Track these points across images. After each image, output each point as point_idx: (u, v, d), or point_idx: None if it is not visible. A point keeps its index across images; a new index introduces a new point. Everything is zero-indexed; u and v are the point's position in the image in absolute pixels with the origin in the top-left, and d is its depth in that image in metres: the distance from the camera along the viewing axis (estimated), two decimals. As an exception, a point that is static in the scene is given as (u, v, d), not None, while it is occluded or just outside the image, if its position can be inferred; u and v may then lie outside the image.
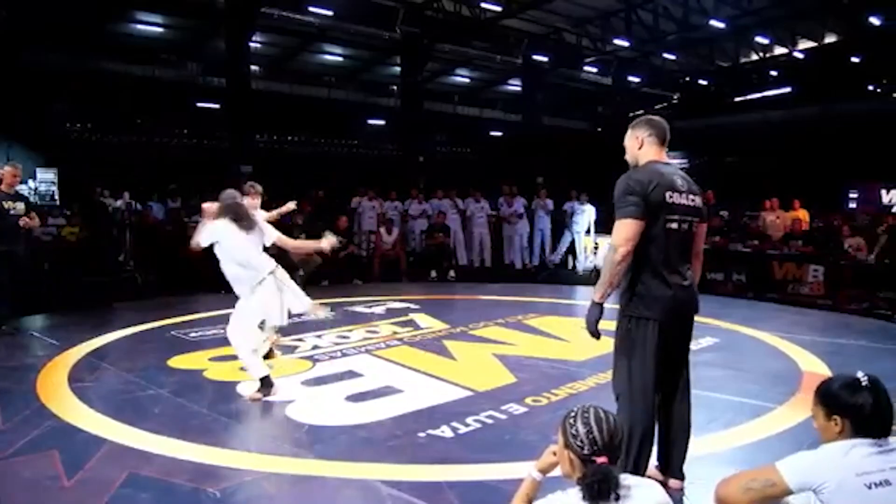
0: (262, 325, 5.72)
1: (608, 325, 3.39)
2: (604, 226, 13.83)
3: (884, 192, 20.67)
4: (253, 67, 19.13)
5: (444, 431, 4.51)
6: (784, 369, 6.16)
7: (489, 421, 4.71)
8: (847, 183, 21.57)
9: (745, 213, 14.76)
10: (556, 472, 2.25)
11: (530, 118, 25.26)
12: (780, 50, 24.25)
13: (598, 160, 14.89)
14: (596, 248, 13.87)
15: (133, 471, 3.85)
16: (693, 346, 3.66)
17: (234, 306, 5.49)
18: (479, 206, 14.45)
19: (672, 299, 3.35)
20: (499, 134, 28.49)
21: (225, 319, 7.91)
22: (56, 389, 5.44)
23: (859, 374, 2.24)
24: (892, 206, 18.11)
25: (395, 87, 24.10)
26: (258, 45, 19.62)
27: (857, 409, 2.16)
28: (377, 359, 6.50)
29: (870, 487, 2.03)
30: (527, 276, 13.66)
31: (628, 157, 3.59)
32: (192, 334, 7.61)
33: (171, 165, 20.11)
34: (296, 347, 6.87)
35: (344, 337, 7.43)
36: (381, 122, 25.20)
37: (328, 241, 5.70)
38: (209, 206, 5.67)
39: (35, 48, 16.62)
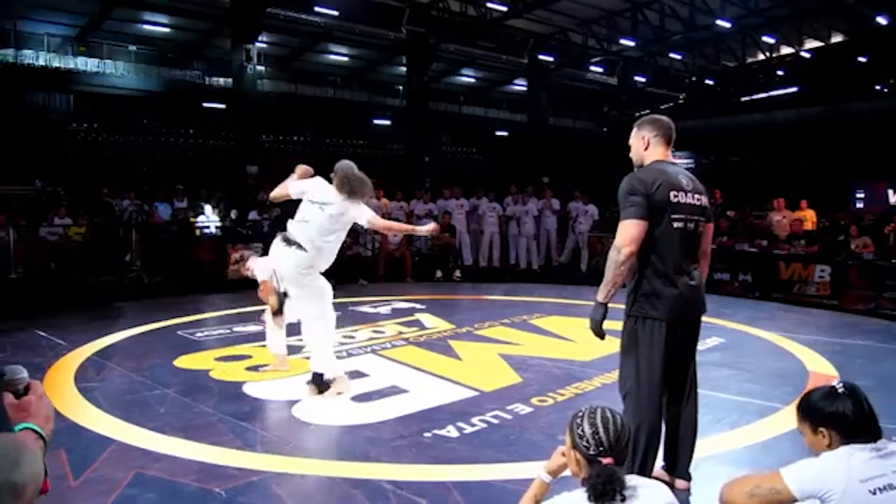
0: None
1: (614, 325, 3.39)
2: (607, 227, 13.84)
3: (890, 191, 20.64)
4: (259, 67, 19.18)
5: (450, 431, 4.51)
6: (790, 369, 6.14)
7: (495, 421, 4.71)
8: (854, 183, 21.54)
9: (752, 212, 14.72)
10: (568, 472, 2.25)
11: (536, 118, 25.27)
12: (786, 50, 24.22)
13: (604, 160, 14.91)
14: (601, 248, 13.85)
15: (139, 471, 3.86)
16: (699, 345, 3.65)
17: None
18: (490, 206, 14.44)
19: (679, 299, 3.34)
20: (504, 134, 28.50)
21: (230, 319, 7.94)
22: (62, 389, 5.45)
23: (835, 383, 2.26)
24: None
25: (400, 87, 24.13)
26: (264, 46, 19.69)
27: (840, 418, 2.17)
28: (383, 359, 6.51)
29: (874, 493, 2.02)
30: (532, 277, 13.65)
31: (633, 156, 3.57)
32: (199, 334, 7.63)
33: (176, 165, 20.18)
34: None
35: (349, 337, 7.43)
36: (387, 122, 25.24)
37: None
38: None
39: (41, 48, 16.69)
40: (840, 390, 2.21)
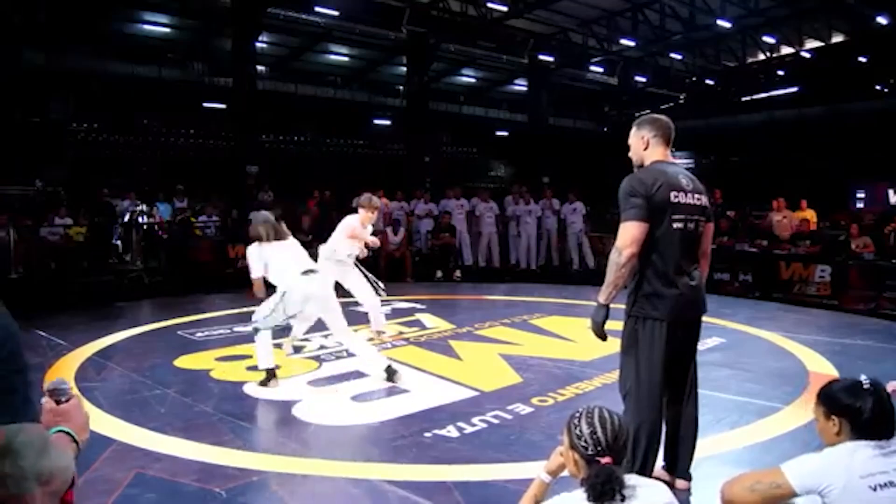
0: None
1: (615, 325, 3.39)
2: (606, 227, 13.90)
3: (891, 191, 20.64)
4: (259, 67, 19.16)
5: (450, 431, 4.51)
6: (790, 369, 6.14)
7: (495, 421, 4.71)
8: (854, 183, 21.53)
9: (752, 212, 14.71)
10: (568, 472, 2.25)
11: (536, 118, 25.25)
12: (786, 50, 24.19)
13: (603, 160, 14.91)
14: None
15: (140, 470, 3.86)
16: (699, 345, 3.65)
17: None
18: (487, 207, 14.45)
19: (679, 299, 3.34)
20: (504, 134, 28.47)
21: (230, 319, 7.93)
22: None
23: (862, 378, 2.26)
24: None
25: (400, 87, 24.11)
26: (264, 46, 19.67)
27: (855, 411, 2.18)
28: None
29: (875, 489, 2.03)
30: (532, 277, 13.65)
31: (633, 156, 3.57)
32: (199, 334, 7.63)
33: (177, 166, 20.17)
34: (302, 347, 6.87)
35: (350, 337, 7.43)
36: (387, 122, 25.23)
37: None
38: None
39: (41, 48, 16.67)
40: (865, 386, 2.22)
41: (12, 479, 1.10)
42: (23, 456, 1.12)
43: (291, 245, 5.73)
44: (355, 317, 8.59)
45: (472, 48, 22.44)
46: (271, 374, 5.52)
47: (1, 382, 1.17)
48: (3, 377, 1.17)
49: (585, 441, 2.05)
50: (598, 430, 2.05)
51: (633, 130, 3.57)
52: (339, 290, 7.58)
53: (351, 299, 7.95)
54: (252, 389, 5.46)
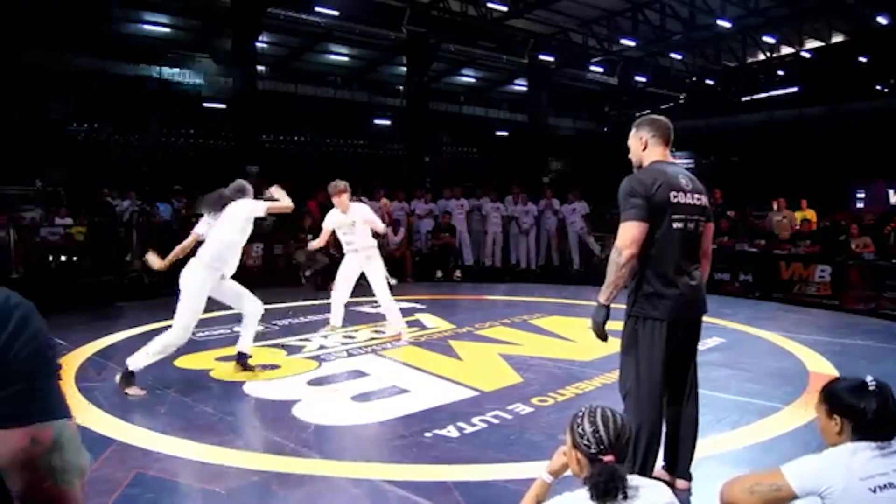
0: None
1: (615, 325, 3.38)
2: (601, 225, 13.95)
3: (891, 191, 20.61)
4: (259, 67, 19.17)
5: (450, 431, 4.51)
6: (790, 369, 6.14)
7: (495, 421, 4.71)
8: (854, 182, 21.50)
9: (752, 213, 14.71)
10: (570, 473, 2.25)
11: (536, 118, 25.26)
12: (786, 49, 24.20)
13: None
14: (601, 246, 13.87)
15: (140, 470, 3.86)
16: (699, 345, 3.64)
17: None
18: (494, 207, 14.48)
19: (680, 299, 3.34)
20: (504, 134, 28.47)
21: (231, 319, 7.93)
22: (62, 389, 5.44)
23: (868, 378, 2.23)
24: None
25: (400, 87, 24.11)
26: (264, 46, 19.67)
27: (858, 412, 2.15)
28: (383, 359, 6.51)
29: (874, 491, 2.02)
30: (532, 277, 13.65)
31: (632, 157, 3.58)
32: (199, 334, 7.59)
33: (177, 166, 20.16)
34: (302, 347, 6.88)
35: (350, 337, 7.44)
36: (387, 122, 25.20)
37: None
38: None
39: (41, 48, 16.66)
40: (870, 387, 2.18)
41: (60, 472, 1.15)
42: (68, 450, 1.17)
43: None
44: (356, 317, 8.62)
45: (472, 48, 22.44)
46: (242, 359, 5.88)
47: (29, 380, 1.21)
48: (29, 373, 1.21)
49: (588, 440, 2.06)
50: (601, 428, 2.05)
51: (632, 131, 3.58)
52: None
53: (353, 298, 7.95)
54: (252, 389, 5.46)
